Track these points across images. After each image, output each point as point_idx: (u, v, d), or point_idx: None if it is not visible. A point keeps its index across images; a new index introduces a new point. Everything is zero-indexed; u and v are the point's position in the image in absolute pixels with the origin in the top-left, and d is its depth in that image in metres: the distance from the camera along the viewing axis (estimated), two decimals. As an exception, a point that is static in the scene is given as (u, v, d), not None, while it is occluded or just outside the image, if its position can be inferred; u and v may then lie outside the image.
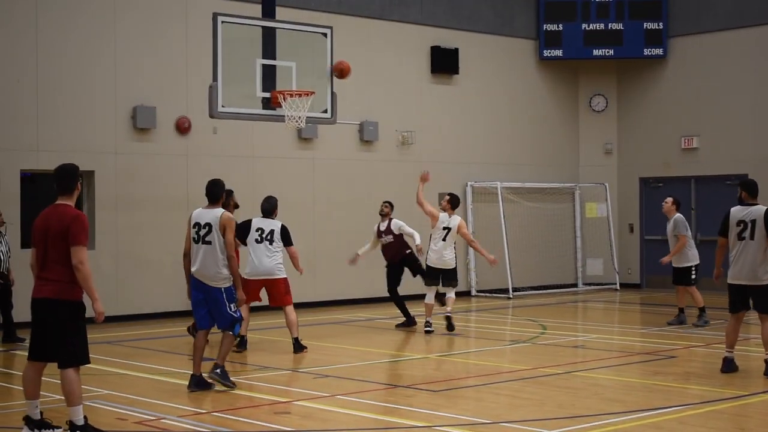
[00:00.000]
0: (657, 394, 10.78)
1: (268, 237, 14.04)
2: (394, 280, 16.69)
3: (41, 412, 8.69)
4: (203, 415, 9.69)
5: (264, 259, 13.91)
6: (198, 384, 10.93)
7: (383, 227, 16.70)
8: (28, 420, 8.63)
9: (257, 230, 14.05)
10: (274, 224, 14.17)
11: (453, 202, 16.11)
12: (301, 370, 12.58)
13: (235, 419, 9.60)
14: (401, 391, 11.12)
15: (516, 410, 9.92)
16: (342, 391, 11.19)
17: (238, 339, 13.49)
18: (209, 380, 10.96)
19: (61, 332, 8.52)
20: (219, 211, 11.01)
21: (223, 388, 10.96)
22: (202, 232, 10.91)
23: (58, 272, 8.52)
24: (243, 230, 13.79)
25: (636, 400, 10.43)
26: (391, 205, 16.97)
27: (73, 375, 8.47)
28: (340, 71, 15.21)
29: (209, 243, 10.89)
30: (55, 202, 8.74)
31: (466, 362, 13.44)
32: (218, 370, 11.02)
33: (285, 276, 14.06)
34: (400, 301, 16.60)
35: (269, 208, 14.30)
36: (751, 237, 11.58)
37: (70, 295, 8.51)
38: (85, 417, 8.51)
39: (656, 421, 9.37)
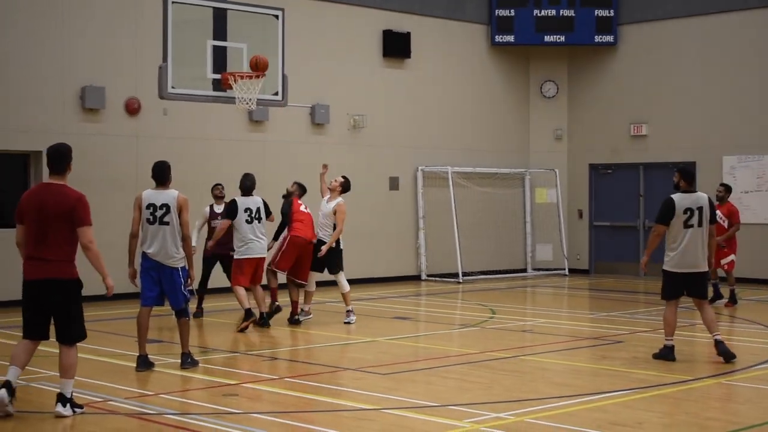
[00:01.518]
0: (603, 378, 10.90)
1: (257, 216, 14.42)
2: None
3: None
4: (150, 397, 9.66)
5: (259, 239, 14.38)
6: (146, 364, 10.93)
7: (219, 210, 15.76)
8: (7, 384, 8.61)
9: (245, 210, 14.36)
10: (257, 202, 14.53)
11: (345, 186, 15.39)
12: (249, 353, 12.56)
13: (183, 401, 9.58)
14: (349, 374, 11.14)
15: (464, 393, 9.99)
16: (290, 373, 11.23)
17: (260, 315, 14.30)
18: (184, 370, 11.00)
19: (67, 311, 8.70)
20: (174, 192, 11.11)
21: (170, 370, 10.95)
22: (159, 213, 10.95)
23: (58, 252, 8.64)
24: (231, 211, 14.35)
25: (583, 384, 10.54)
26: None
27: (74, 350, 8.75)
28: (257, 64, 15.03)
29: (167, 223, 10.97)
30: (47, 181, 8.84)
31: (415, 346, 13.48)
32: (189, 360, 11.16)
33: None
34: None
35: (250, 185, 14.56)
36: (699, 224, 11.66)
37: (72, 274, 8.72)
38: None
39: (602, 405, 9.48)
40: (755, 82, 22.50)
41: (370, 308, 16.78)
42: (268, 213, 14.64)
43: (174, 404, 9.40)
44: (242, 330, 14.03)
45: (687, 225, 11.63)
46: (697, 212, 11.63)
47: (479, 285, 21.91)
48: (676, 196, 11.74)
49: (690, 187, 11.84)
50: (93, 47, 18.58)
